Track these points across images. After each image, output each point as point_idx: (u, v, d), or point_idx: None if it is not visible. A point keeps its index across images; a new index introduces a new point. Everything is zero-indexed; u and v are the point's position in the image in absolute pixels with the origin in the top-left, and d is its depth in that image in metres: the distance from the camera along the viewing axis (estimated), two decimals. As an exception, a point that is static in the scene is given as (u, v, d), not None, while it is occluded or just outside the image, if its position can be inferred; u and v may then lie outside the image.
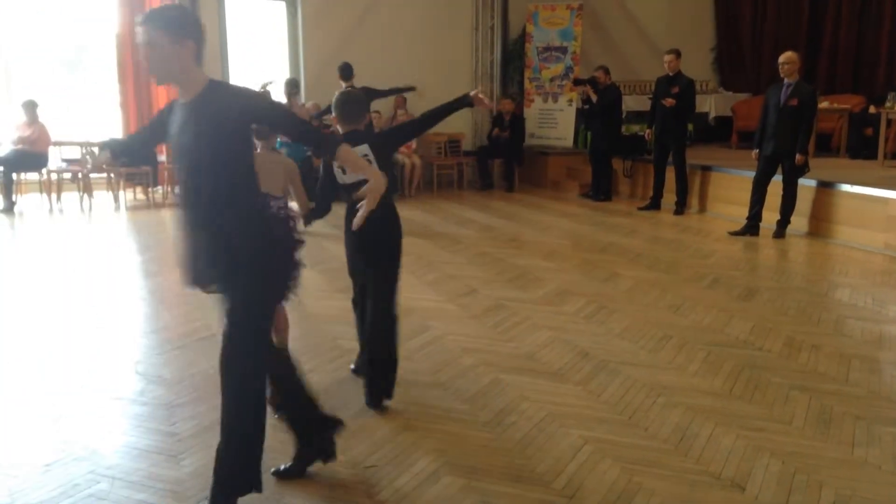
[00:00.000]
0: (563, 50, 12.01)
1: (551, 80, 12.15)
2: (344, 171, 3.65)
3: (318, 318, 5.10)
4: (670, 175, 9.41)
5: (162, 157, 10.46)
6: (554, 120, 12.25)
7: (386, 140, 3.94)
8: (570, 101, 12.01)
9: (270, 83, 8.98)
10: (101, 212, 9.76)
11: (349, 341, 4.33)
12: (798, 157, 7.55)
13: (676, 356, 4.43)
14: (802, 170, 7.67)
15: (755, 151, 7.97)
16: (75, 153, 10.27)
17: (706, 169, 9.49)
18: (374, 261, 3.89)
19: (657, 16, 13.11)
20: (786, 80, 7.66)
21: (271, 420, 3.49)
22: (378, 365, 3.78)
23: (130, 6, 10.47)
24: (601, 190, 10.49)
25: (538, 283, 6.11)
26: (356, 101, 3.79)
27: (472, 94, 3.87)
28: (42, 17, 10.71)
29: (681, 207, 9.37)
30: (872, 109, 10.40)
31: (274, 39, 11.61)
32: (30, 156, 9.70)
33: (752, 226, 8.00)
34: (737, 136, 12.12)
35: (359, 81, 8.87)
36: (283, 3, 11.36)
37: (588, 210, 9.86)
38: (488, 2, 12.31)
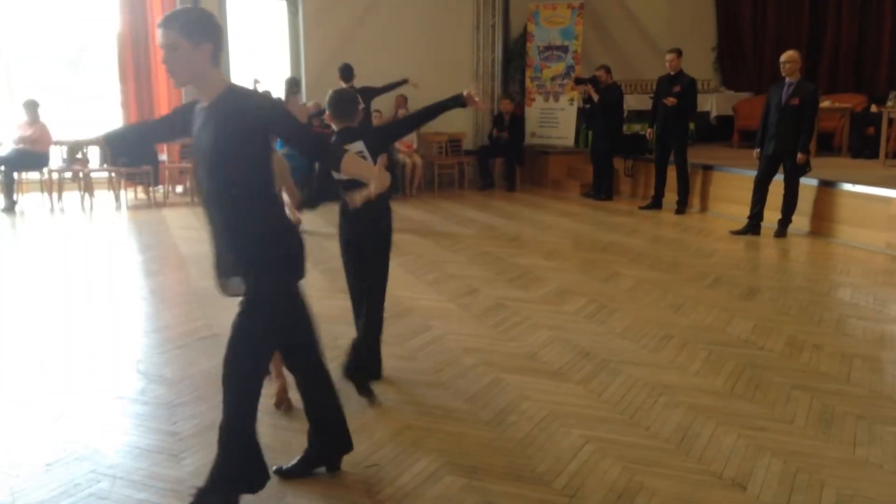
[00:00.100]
0: (565, 49, 12.00)
1: (552, 79, 12.14)
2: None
3: (319, 317, 5.08)
4: (671, 174, 9.40)
5: (163, 157, 10.47)
6: (555, 119, 12.24)
7: (380, 136, 4.05)
8: (572, 100, 12.01)
9: (257, 82, 8.97)
10: (102, 211, 9.77)
11: (349, 341, 4.33)
12: (799, 156, 7.55)
13: (678, 355, 4.42)
14: (804, 169, 7.66)
15: (756, 151, 7.97)
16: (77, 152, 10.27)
17: (707, 168, 9.48)
18: (366, 255, 3.97)
19: (658, 15, 13.11)
20: (787, 80, 7.65)
21: (272, 420, 3.50)
22: (367, 353, 3.94)
23: (131, 6, 10.48)
24: (602, 189, 10.48)
25: (539, 282, 6.11)
26: (348, 99, 3.92)
27: (465, 93, 3.94)
28: (43, 17, 10.72)
29: (682, 207, 9.36)
30: (874, 109, 10.39)
31: (275, 39, 11.61)
32: (31, 155, 9.71)
33: (753, 225, 7.99)
34: (738, 136, 12.11)
35: (360, 81, 8.88)
36: (284, 3, 11.36)
37: (589, 209, 9.85)
38: (489, 1, 12.31)
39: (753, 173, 8.07)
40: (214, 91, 2.59)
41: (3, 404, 3.81)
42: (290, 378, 3.34)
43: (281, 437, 3.36)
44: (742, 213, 8.21)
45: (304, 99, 10.63)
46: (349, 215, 3.85)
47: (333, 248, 4.42)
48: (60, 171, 10.07)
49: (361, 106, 8.88)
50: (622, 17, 13.01)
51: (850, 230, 7.53)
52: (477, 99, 3.96)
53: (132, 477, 3.05)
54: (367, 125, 8.52)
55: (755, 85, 13.30)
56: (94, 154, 10.31)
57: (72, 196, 10.24)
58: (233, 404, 2.71)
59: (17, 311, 5.46)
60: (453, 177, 12.02)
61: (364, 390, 3.84)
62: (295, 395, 3.38)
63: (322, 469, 3.08)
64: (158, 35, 2.57)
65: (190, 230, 8.40)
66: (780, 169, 7.79)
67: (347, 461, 3.12)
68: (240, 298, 2.74)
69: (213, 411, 3.40)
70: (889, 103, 9.56)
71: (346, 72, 8.74)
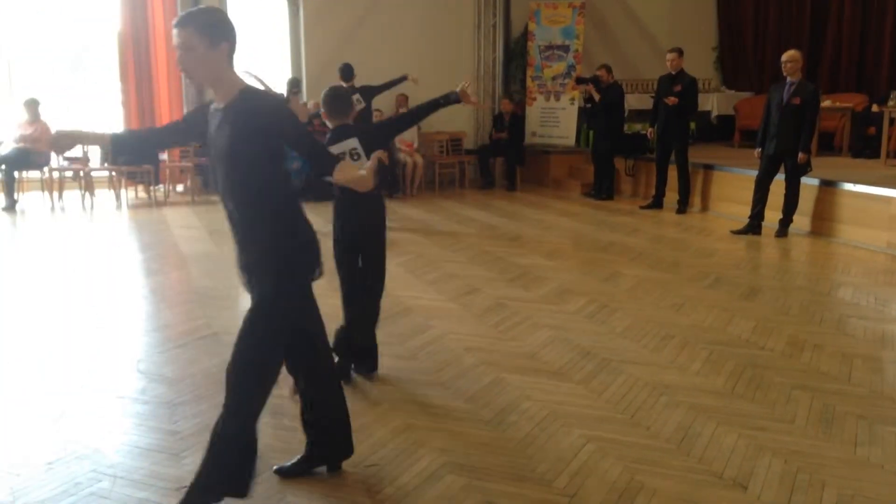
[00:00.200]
0: (566, 48, 12.00)
1: (553, 78, 12.14)
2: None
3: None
4: (672, 174, 9.39)
5: (163, 156, 10.47)
6: (556, 119, 12.23)
7: (374, 133, 4.10)
8: (573, 99, 12.00)
9: (247, 71, 8.98)
10: (102, 210, 9.77)
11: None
12: (801, 155, 7.54)
13: (678, 355, 4.42)
14: (805, 168, 7.66)
15: (758, 150, 7.96)
16: (77, 151, 10.29)
17: (708, 168, 9.48)
18: (362, 252, 4.06)
19: (659, 14, 13.10)
20: (788, 79, 7.65)
21: (272, 420, 3.50)
22: (363, 349, 4.06)
23: (132, 6, 10.48)
24: (603, 189, 10.47)
25: (540, 282, 6.11)
26: (342, 97, 3.99)
27: (458, 90, 4.00)
28: (43, 17, 10.72)
29: (683, 206, 9.36)
30: (875, 108, 10.38)
31: (275, 38, 11.60)
32: (31, 154, 9.71)
33: (754, 225, 7.99)
34: (739, 135, 12.11)
35: (361, 80, 8.87)
36: (285, 2, 11.35)
37: (590, 209, 9.85)
38: (490, 0, 12.30)
39: (754, 173, 8.07)
40: (230, 91, 2.61)
41: (4, 404, 3.81)
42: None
43: (281, 437, 3.36)
44: (743, 212, 8.21)
45: (304, 98, 10.63)
46: (343, 213, 3.96)
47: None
48: (61, 170, 10.07)
49: (362, 105, 8.97)
50: (623, 17, 13.00)
51: (851, 230, 7.53)
52: (473, 97, 4.03)
53: (133, 476, 3.05)
54: (367, 123, 8.54)
55: (756, 84, 13.29)
56: (94, 153, 10.33)
57: (72, 195, 10.24)
58: (234, 404, 2.69)
59: (18, 311, 5.46)
60: (454, 176, 12.02)
61: (344, 373, 3.98)
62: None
63: (322, 469, 3.08)
64: (174, 35, 2.57)
65: (191, 229, 8.41)
66: (781, 168, 7.79)
67: (348, 461, 3.12)
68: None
69: (213, 410, 3.38)
70: (890, 103, 9.55)
71: (347, 72, 8.74)
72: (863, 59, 12.88)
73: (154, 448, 3.29)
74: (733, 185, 8.99)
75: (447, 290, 5.85)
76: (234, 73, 2.64)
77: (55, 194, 10.02)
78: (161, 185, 10.51)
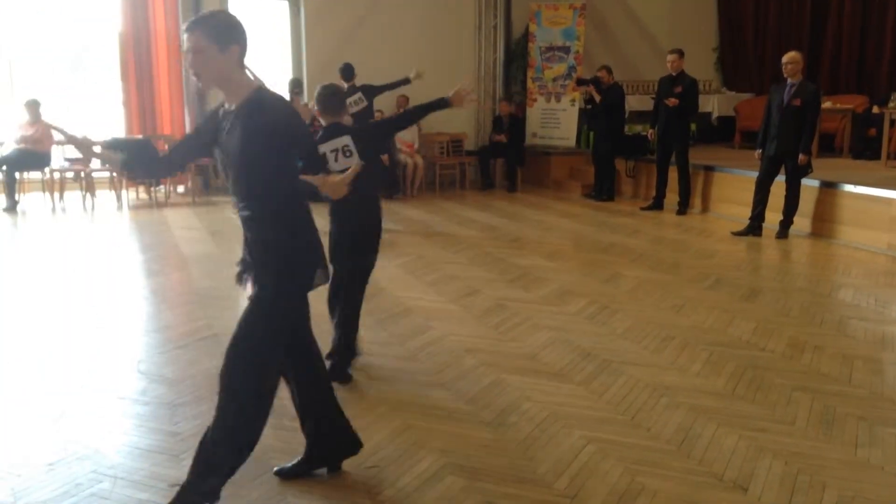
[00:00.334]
0: (566, 49, 12.00)
1: (554, 79, 12.14)
2: (336, 159, 3.87)
3: (319, 317, 5.08)
4: (673, 175, 9.39)
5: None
6: (556, 120, 12.23)
7: (368, 134, 4.16)
8: (573, 100, 12.00)
9: (247, 69, 8.97)
10: (103, 211, 9.77)
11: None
12: (801, 157, 7.54)
13: (679, 356, 4.42)
14: (806, 170, 7.66)
15: (758, 151, 7.96)
16: (78, 152, 10.28)
17: (709, 169, 9.48)
18: (355, 251, 4.12)
19: (660, 15, 13.10)
20: (789, 80, 7.65)
21: (273, 420, 3.49)
22: (347, 344, 4.10)
23: (133, 6, 10.48)
24: (604, 190, 10.48)
25: (540, 283, 6.11)
26: (336, 95, 4.06)
27: (449, 95, 4.06)
28: (44, 17, 10.72)
29: (683, 208, 9.36)
30: (876, 110, 10.37)
31: (276, 39, 11.61)
32: (33, 155, 9.71)
33: (754, 226, 7.99)
34: (740, 136, 12.12)
35: (361, 81, 8.88)
36: (286, 3, 11.36)
37: (590, 210, 9.85)
38: (491, 1, 12.31)
39: (755, 174, 8.07)
40: (242, 93, 2.62)
41: (5, 404, 3.81)
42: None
43: (281, 437, 3.35)
44: (743, 214, 8.21)
45: (305, 99, 10.63)
46: (342, 214, 4.01)
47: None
48: (62, 171, 10.07)
49: (364, 104, 8.97)
50: (624, 18, 13.01)
51: (852, 231, 7.53)
52: (468, 97, 4.09)
53: (133, 477, 3.05)
54: (368, 123, 8.54)
55: (756, 86, 13.30)
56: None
57: (73, 196, 10.24)
58: (228, 407, 2.65)
59: (19, 311, 5.46)
60: (454, 177, 12.02)
61: (345, 376, 4.03)
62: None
63: (322, 470, 3.08)
64: (184, 39, 2.58)
65: (191, 230, 8.41)
66: (782, 170, 7.79)
67: (348, 462, 3.12)
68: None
69: (214, 412, 3.39)
70: (891, 104, 9.55)
71: (347, 72, 8.74)
72: (863, 61, 12.88)
73: (155, 449, 3.29)
74: (734, 186, 8.99)
75: (447, 292, 5.85)
76: (245, 75, 2.65)
77: (56, 195, 10.02)
78: (162, 186, 10.51)
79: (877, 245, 7.21)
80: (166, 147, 10.42)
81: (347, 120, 4.16)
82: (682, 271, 6.50)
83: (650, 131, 9.79)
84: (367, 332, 4.68)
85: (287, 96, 8.58)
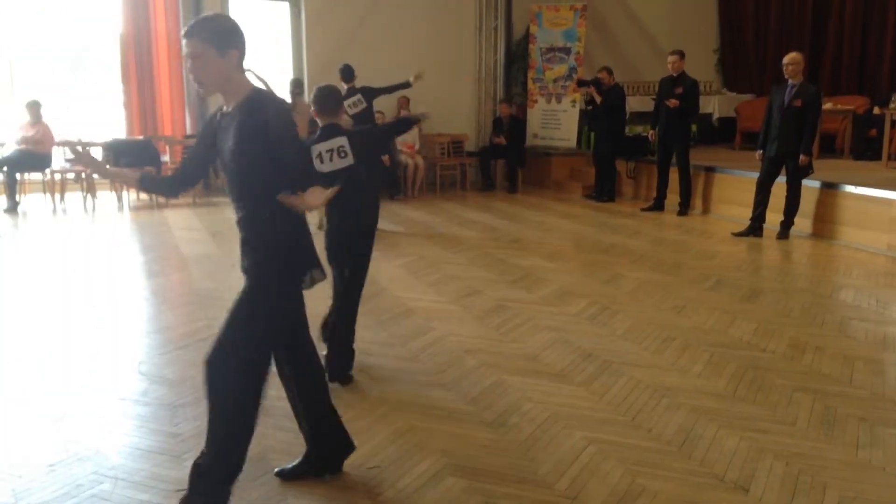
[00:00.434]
0: (567, 51, 12.01)
1: (555, 80, 12.14)
2: (322, 161, 3.94)
3: (319, 317, 5.10)
4: (674, 176, 9.39)
5: (165, 157, 10.48)
6: (557, 121, 12.23)
7: (364, 137, 4.23)
8: (574, 101, 12.00)
9: (249, 70, 8.97)
10: (104, 212, 9.77)
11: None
12: (802, 158, 7.54)
13: (680, 357, 4.42)
14: (806, 171, 7.66)
15: (759, 152, 7.96)
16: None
17: (710, 170, 9.48)
18: (354, 246, 4.16)
19: (661, 16, 13.11)
20: (790, 81, 7.65)
21: (273, 420, 3.50)
22: (347, 344, 4.14)
23: (134, 6, 10.49)
24: (604, 191, 10.48)
25: (541, 283, 6.11)
26: (333, 95, 4.09)
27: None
28: (44, 17, 10.72)
29: (684, 208, 9.36)
30: (877, 110, 10.38)
31: (277, 39, 11.61)
32: (33, 156, 9.72)
33: (755, 227, 7.99)
34: (740, 137, 12.12)
35: (362, 81, 8.88)
36: (287, 4, 11.37)
37: (591, 211, 9.85)
38: (492, 2, 12.31)
39: (755, 175, 8.07)
40: (239, 95, 2.63)
41: (5, 405, 3.81)
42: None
43: (282, 438, 3.36)
44: (744, 214, 8.21)
45: (306, 99, 10.64)
46: (340, 211, 4.04)
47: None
48: (63, 172, 10.08)
49: (363, 105, 8.99)
50: (624, 19, 13.01)
51: (853, 232, 7.53)
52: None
53: (134, 478, 3.05)
54: (368, 124, 8.56)
55: (757, 87, 13.30)
56: (96, 154, 10.34)
57: (74, 197, 10.25)
58: (220, 417, 2.65)
59: (20, 312, 5.46)
60: (455, 178, 12.02)
61: (343, 378, 4.05)
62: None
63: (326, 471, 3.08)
64: (183, 45, 2.58)
65: (192, 231, 8.41)
66: (783, 171, 7.79)
67: (348, 463, 3.12)
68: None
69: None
70: (892, 105, 9.55)
71: (347, 73, 8.74)
72: (864, 62, 12.88)
73: (155, 450, 3.29)
74: (734, 187, 8.99)
75: (448, 292, 5.85)
76: (243, 78, 2.66)
77: (57, 196, 10.03)
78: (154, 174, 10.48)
79: (877, 246, 7.21)
80: (167, 148, 10.48)
81: (346, 121, 4.21)
82: (682, 272, 6.50)
83: (651, 132, 9.79)
84: (368, 333, 4.69)
85: (288, 97, 8.66)
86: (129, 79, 10.67)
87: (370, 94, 8.72)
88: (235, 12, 10.80)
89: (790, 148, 7.59)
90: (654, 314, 5.27)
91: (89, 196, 10.03)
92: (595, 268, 6.65)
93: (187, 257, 7.15)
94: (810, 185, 7.85)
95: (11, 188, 9.62)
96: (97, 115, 11.03)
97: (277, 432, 3.41)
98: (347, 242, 4.13)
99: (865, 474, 3.08)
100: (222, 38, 2.55)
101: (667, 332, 4.87)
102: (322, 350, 4.38)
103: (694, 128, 10.43)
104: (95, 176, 9.96)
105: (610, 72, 10.25)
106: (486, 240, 7.94)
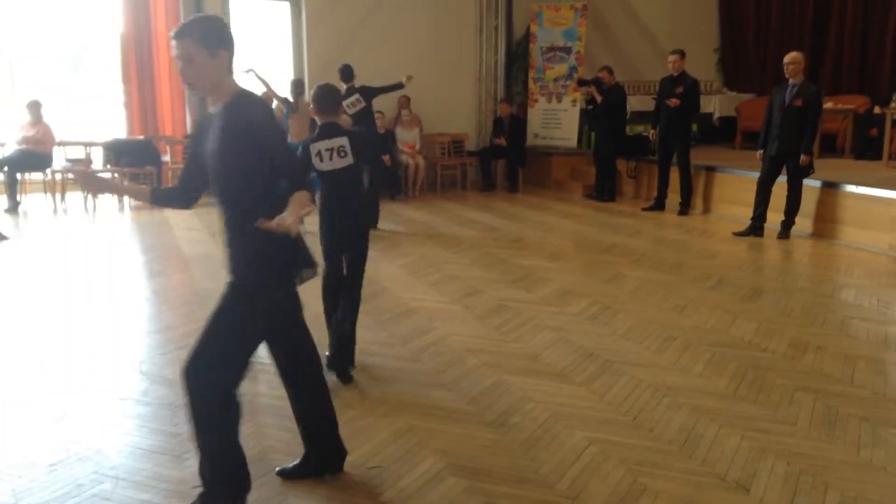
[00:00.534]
0: (567, 50, 12.00)
1: (555, 80, 12.14)
2: (322, 160, 4.01)
3: (320, 317, 5.09)
4: (674, 176, 9.38)
5: (166, 158, 10.48)
6: (558, 120, 12.23)
7: (364, 138, 4.34)
8: (574, 101, 11.99)
9: (251, 70, 8.95)
10: (105, 212, 9.77)
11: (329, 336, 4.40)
12: (803, 157, 7.53)
13: (681, 357, 4.42)
14: (807, 170, 7.65)
15: (760, 152, 7.96)
16: (80, 153, 10.30)
17: (710, 169, 9.47)
18: (352, 246, 4.22)
19: (661, 16, 13.10)
20: (790, 81, 7.64)
21: (273, 420, 3.50)
22: (347, 341, 4.17)
23: (135, 6, 10.48)
24: (605, 190, 10.47)
25: (542, 283, 6.10)
26: (333, 94, 4.14)
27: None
28: (44, 17, 10.72)
29: (685, 208, 9.35)
30: (877, 110, 10.37)
31: (278, 39, 11.61)
32: (34, 156, 9.71)
33: (756, 227, 7.98)
34: (741, 137, 12.10)
35: (363, 81, 8.87)
36: (288, 3, 11.36)
37: (592, 211, 9.85)
38: (492, 2, 12.30)
39: (756, 175, 8.06)
40: (227, 96, 2.62)
41: (6, 405, 3.81)
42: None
43: (283, 438, 3.35)
44: (745, 214, 8.20)
45: (307, 99, 10.63)
46: (335, 210, 4.12)
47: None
48: (64, 172, 10.08)
49: (362, 105, 9.01)
50: (625, 19, 13.00)
51: (853, 232, 7.52)
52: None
53: (135, 478, 3.05)
54: (368, 123, 8.57)
55: (758, 86, 13.28)
56: (97, 155, 10.34)
57: (75, 197, 10.25)
58: (205, 424, 2.63)
59: (20, 312, 5.46)
60: (456, 178, 12.02)
61: (346, 375, 4.09)
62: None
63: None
64: (173, 47, 2.57)
65: (192, 231, 8.41)
66: (784, 170, 7.78)
67: (349, 463, 3.12)
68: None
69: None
70: (892, 104, 9.54)
71: (346, 73, 8.73)
72: (865, 61, 12.87)
73: (156, 450, 3.29)
74: (735, 186, 8.98)
75: (449, 292, 5.85)
76: (232, 79, 2.65)
77: (58, 196, 10.03)
78: (164, 187, 10.49)
79: (878, 245, 7.20)
80: (167, 148, 10.46)
81: (346, 120, 4.24)
82: (683, 272, 6.50)
83: (651, 132, 9.78)
84: (368, 333, 4.68)
85: (290, 97, 8.67)
86: (129, 79, 10.66)
87: (369, 93, 8.71)
88: (236, 12, 10.80)
89: (791, 147, 7.59)
90: (655, 314, 5.26)
91: (90, 196, 10.02)
92: (596, 267, 6.65)
93: (188, 257, 7.15)
94: (811, 184, 7.84)
95: (12, 188, 9.61)
96: (97, 115, 11.02)
97: (277, 432, 3.41)
98: (347, 242, 4.17)
99: (867, 474, 3.08)
100: (213, 39, 2.54)
101: (668, 331, 4.87)
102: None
103: (694, 127, 10.42)
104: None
105: (610, 71, 10.24)
106: (487, 239, 7.94)
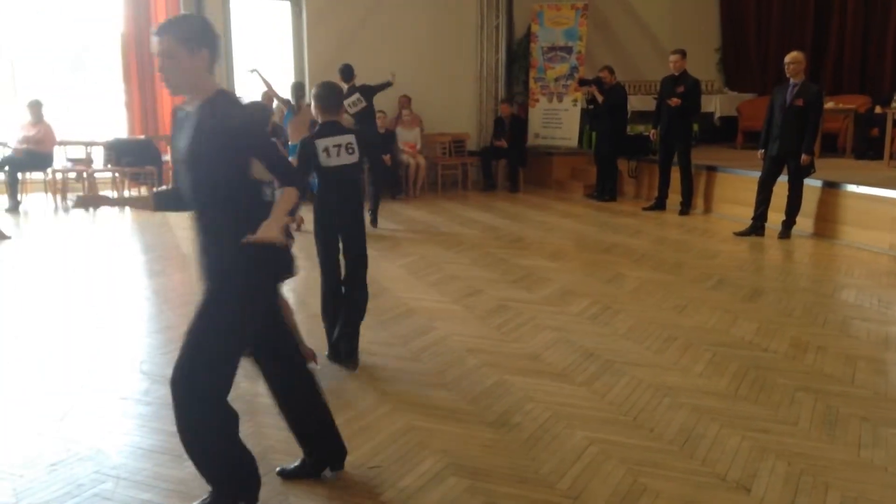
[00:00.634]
0: (568, 50, 12.00)
1: (556, 80, 12.14)
2: (329, 155, 4.04)
3: (317, 317, 5.09)
4: (675, 175, 9.38)
5: (166, 157, 10.48)
6: (559, 120, 12.23)
7: (363, 140, 4.29)
8: (575, 101, 12.00)
9: (255, 70, 8.96)
10: (105, 211, 9.77)
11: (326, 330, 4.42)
12: (804, 157, 7.53)
13: (682, 357, 4.41)
14: (808, 170, 7.64)
15: (761, 152, 7.95)
16: (80, 153, 10.30)
17: (711, 169, 9.47)
18: (351, 245, 4.29)
19: (662, 16, 13.10)
20: (791, 80, 7.64)
21: (272, 420, 3.49)
22: (355, 330, 4.28)
23: (135, 6, 10.49)
24: (606, 190, 10.47)
25: (543, 283, 6.10)
26: (336, 93, 4.17)
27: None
28: (44, 17, 10.72)
29: (686, 208, 9.35)
30: (878, 110, 10.37)
31: (278, 39, 11.61)
32: (35, 155, 9.72)
33: (757, 226, 7.98)
34: (742, 137, 12.10)
35: (364, 81, 8.88)
36: (288, 3, 11.37)
37: (593, 210, 9.84)
38: (493, 1, 12.30)
39: (757, 174, 8.06)
40: (204, 96, 2.57)
41: (6, 405, 3.81)
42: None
43: (282, 437, 3.34)
44: (746, 214, 8.20)
45: (308, 99, 10.63)
46: (338, 212, 4.19)
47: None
48: (64, 171, 10.09)
49: (363, 104, 9.01)
50: (626, 18, 13.00)
51: (854, 231, 7.51)
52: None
53: (136, 477, 3.05)
54: (370, 122, 8.58)
55: (759, 86, 13.28)
56: (97, 154, 10.35)
57: (75, 197, 10.24)
58: (200, 437, 2.62)
59: (21, 312, 5.46)
60: (456, 178, 12.02)
61: (352, 360, 4.21)
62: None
63: (326, 471, 3.07)
64: (153, 43, 2.54)
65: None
66: (785, 170, 7.78)
67: (350, 463, 3.12)
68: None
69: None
70: (893, 104, 9.54)
71: (347, 72, 8.74)
72: (866, 61, 12.86)
73: (157, 449, 3.29)
74: (736, 186, 8.98)
75: (450, 292, 5.85)
76: (211, 79, 2.60)
77: (58, 196, 10.03)
78: (164, 186, 10.51)
79: (879, 245, 7.20)
80: (168, 147, 10.46)
81: (347, 120, 4.27)
82: (684, 272, 6.49)
83: (652, 131, 9.78)
84: (369, 333, 4.68)
85: (291, 100, 8.65)
86: (129, 78, 10.68)
87: (369, 92, 8.72)
88: (236, 12, 10.80)
89: (792, 147, 7.58)
90: (656, 314, 5.26)
91: (91, 209, 10.01)
92: (596, 267, 6.64)
93: (188, 257, 7.14)
94: (812, 184, 7.84)
95: (13, 188, 9.62)
96: (98, 114, 11.03)
97: (277, 432, 3.40)
98: (348, 240, 4.19)
99: (868, 474, 3.07)
100: (194, 37, 2.52)
101: (668, 331, 4.87)
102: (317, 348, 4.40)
103: (695, 127, 10.42)
104: (97, 167, 9.98)
105: (611, 71, 10.24)
106: (488, 239, 7.94)
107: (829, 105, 10.17)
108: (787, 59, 7.70)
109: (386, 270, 6.49)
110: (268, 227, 2.46)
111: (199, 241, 2.68)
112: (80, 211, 2.83)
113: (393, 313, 5.28)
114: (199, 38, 2.53)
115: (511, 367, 4.24)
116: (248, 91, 10.32)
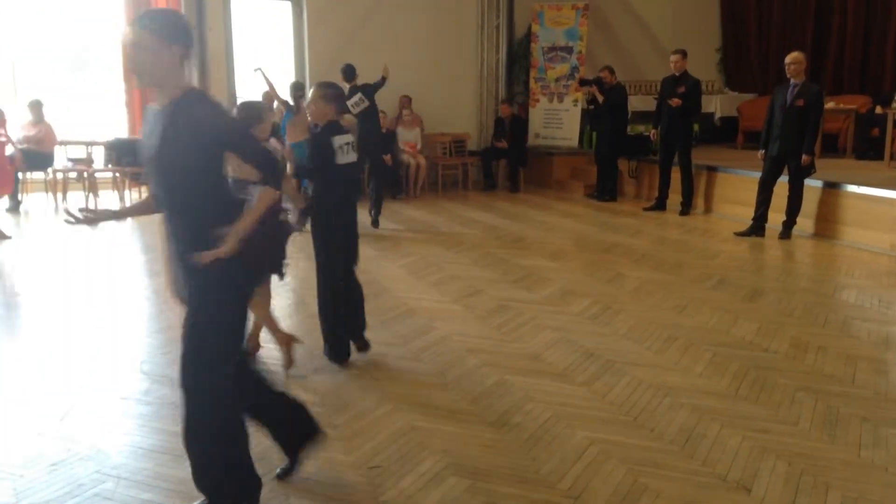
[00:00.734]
0: (569, 50, 12.00)
1: (557, 80, 12.14)
2: (345, 152, 4.09)
3: (315, 317, 5.09)
4: (676, 175, 9.38)
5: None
6: (559, 120, 12.23)
7: (362, 140, 4.40)
8: (576, 101, 12.00)
9: (259, 69, 8.96)
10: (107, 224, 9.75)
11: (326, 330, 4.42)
12: (804, 157, 7.53)
13: (682, 357, 4.41)
14: (809, 170, 7.64)
15: (761, 152, 7.95)
16: (81, 152, 10.30)
17: (712, 169, 9.47)
18: (351, 239, 4.39)
19: (663, 16, 13.10)
20: (792, 81, 7.63)
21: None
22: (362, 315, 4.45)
23: (135, 6, 10.48)
24: (606, 190, 10.47)
25: (543, 283, 6.10)
26: (343, 94, 4.26)
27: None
28: (44, 17, 10.73)
29: (686, 208, 9.34)
30: (879, 110, 10.37)
31: (279, 39, 11.61)
32: (36, 155, 9.72)
33: (757, 226, 7.98)
34: (742, 137, 12.11)
35: (364, 80, 8.87)
36: (289, 3, 11.37)
37: (593, 210, 9.84)
38: (494, 1, 12.30)
39: (758, 175, 8.05)
40: (175, 94, 2.52)
41: (7, 405, 3.81)
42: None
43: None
44: (746, 214, 8.20)
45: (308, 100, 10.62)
46: (340, 211, 4.23)
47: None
48: (65, 171, 10.09)
49: (366, 104, 9.01)
50: (627, 18, 13.00)
51: (855, 232, 7.51)
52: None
53: (136, 477, 3.05)
54: (372, 121, 8.59)
55: (759, 86, 13.29)
56: (98, 154, 10.34)
57: (76, 196, 10.25)
58: (206, 418, 2.60)
59: (21, 312, 5.47)
60: (457, 177, 12.02)
61: (362, 342, 4.36)
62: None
63: (324, 470, 3.07)
64: (127, 33, 2.52)
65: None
66: (785, 170, 7.78)
67: (350, 463, 3.13)
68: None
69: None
70: (894, 104, 9.54)
71: (348, 72, 8.74)
72: (866, 61, 12.87)
73: (158, 449, 3.29)
74: (737, 186, 8.98)
75: (450, 292, 5.84)
76: (183, 76, 2.55)
77: (59, 195, 10.03)
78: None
79: (880, 245, 7.20)
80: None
81: (350, 119, 4.29)
82: (684, 272, 6.49)
83: (653, 132, 9.77)
84: (370, 333, 4.67)
85: (291, 100, 8.66)
86: (130, 78, 10.65)
87: (370, 91, 8.72)
88: (237, 12, 10.80)
89: (792, 147, 7.58)
90: (656, 314, 5.26)
91: (91, 195, 10.03)
92: (597, 267, 6.64)
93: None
94: (812, 184, 7.83)
95: (14, 187, 9.61)
96: (99, 114, 11.03)
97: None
98: (347, 240, 4.20)
99: (868, 474, 3.07)
100: (168, 32, 2.48)
101: (669, 331, 4.86)
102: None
103: (696, 127, 10.42)
104: (97, 166, 9.97)
105: (612, 71, 10.23)
106: (488, 239, 7.94)
107: (829, 105, 10.17)
108: (788, 59, 7.70)
109: (386, 270, 6.49)
110: (226, 241, 2.43)
111: (173, 248, 2.61)
112: (83, 227, 2.79)
113: (393, 313, 5.28)
114: (172, 33, 2.49)
115: (511, 367, 4.24)
116: (249, 90, 10.34)
